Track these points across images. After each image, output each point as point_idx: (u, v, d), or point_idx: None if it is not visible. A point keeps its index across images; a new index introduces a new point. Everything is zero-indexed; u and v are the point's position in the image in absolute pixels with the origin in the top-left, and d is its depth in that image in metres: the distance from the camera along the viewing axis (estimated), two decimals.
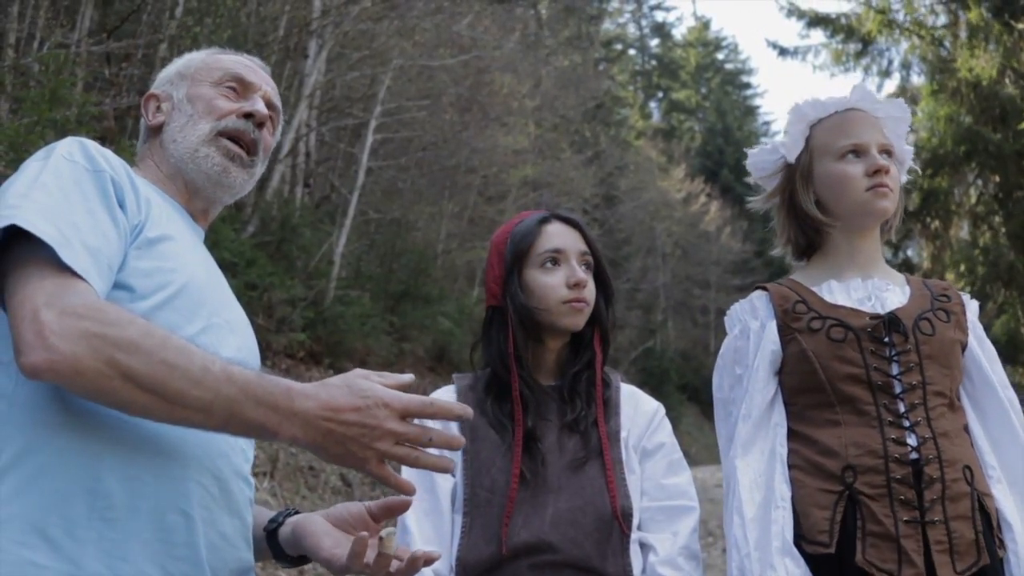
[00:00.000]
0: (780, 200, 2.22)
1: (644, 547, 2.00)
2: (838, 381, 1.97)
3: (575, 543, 1.93)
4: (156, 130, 1.79)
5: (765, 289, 2.14)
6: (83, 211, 1.43)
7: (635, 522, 2.00)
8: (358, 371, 1.41)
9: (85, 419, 1.38)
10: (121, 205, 1.50)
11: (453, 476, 2.03)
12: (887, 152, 2.10)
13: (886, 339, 1.99)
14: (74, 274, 1.35)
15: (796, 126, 2.17)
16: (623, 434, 2.07)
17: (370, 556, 1.51)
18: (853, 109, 2.14)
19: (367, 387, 1.37)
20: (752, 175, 2.27)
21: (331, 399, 1.35)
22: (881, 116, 2.15)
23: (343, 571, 1.57)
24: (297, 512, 1.76)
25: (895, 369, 1.97)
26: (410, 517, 1.99)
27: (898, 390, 1.96)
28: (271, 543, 1.74)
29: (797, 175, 2.16)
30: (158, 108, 1.81)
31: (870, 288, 2.07)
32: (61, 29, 7.99)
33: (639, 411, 2.12)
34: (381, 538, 1.52)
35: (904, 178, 2.23)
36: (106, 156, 1.54)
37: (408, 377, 1.42)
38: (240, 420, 1.35)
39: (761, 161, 2.24)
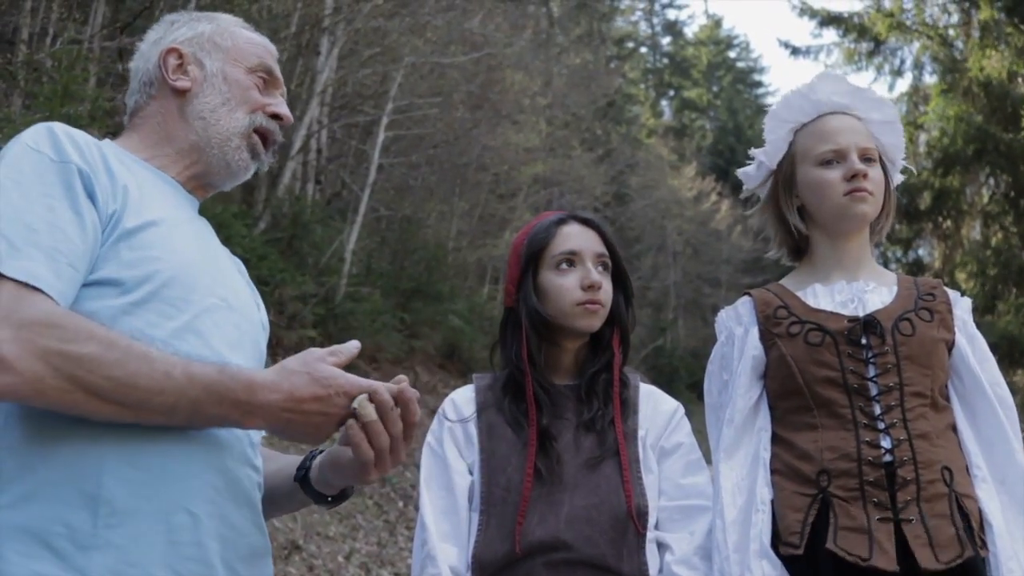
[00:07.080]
0: (770, 206, 2.23)
1: (661, 546, 1.99)
2: (815, 384, 1.98)
3: (590, 541, 1.92)
4: (178, 93, 1.69)
5: (750, 295, 2.15)
6: (42, 209, 1.38)
7: (652, 521, 1.99)
8: (314, 352, 1.43)
9: (84, 426, 1.36)
10: (92, 197, 1.44)
11: (471, 474, 2.03)
12: (868, 156, 2.09)
13: (863, 341, 1.98)
14: (28, 283, 1.32)
15: (776, 132, 2.18)
16: (641, 433, 2.06)
17: (381, 442, 1.44)
18: (835, 113, 2.13)
19: (329, 375, 1.40)
20: (745, 187, 2.29)
21: (294, 390, 1.38)
22: (866, 119, 2.14)
23: (377, 473, 1.50)
24: (321, 452, 1.69)
25: (871, 371, 1.97)
26: (428, 515, 1.98)
27: (874, 392, 1.96)
28: (306, 490, 1.69)
29: (780, 181, 2.17)
30: (181, 67, 1.70)
31: (854, 290, 2.07)
32: (74, 24, 8.02)
33: (658, 411, 2.12)
34: (354, 408, 1.44)
35: (898, 178, 2.22)
36: (77, 143, 1.48)
37: (355, 345, 1.46)
38: (203, 417, 1.40)
39: (750, 173, 2.26)
